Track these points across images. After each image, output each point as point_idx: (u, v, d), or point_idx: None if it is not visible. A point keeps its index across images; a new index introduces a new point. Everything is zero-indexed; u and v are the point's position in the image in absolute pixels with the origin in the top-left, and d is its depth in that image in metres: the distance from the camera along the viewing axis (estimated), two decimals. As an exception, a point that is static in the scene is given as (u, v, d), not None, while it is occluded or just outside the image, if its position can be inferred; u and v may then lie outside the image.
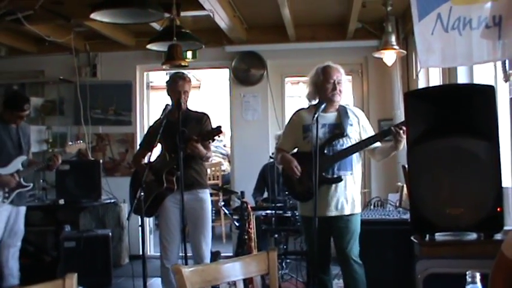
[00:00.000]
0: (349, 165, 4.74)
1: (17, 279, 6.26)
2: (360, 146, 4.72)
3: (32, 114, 7.52)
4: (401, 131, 4.48)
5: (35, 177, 6.37)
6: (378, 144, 4.82)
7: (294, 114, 5.11)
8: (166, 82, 5.56)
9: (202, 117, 5.47)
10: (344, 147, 4.72)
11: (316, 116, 4.43)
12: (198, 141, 5.03)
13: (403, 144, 4.53)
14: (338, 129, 4.74)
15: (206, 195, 5.49)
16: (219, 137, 5.32)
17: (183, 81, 5.38)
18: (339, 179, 4.67)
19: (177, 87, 5.36)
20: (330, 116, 4.81)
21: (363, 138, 4.79)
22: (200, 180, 5.43)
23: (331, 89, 4.78)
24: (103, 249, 7.02)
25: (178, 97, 5.29)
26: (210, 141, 5.26)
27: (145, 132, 7.98)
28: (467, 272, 1.73)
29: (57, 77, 8.71)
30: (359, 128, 4.81)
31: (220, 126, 5.07)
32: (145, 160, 5.43)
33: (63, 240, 6.97)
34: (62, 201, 7.45)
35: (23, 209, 6.27)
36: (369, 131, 4.89)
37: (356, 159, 4.80)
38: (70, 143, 6.67)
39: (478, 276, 1.73)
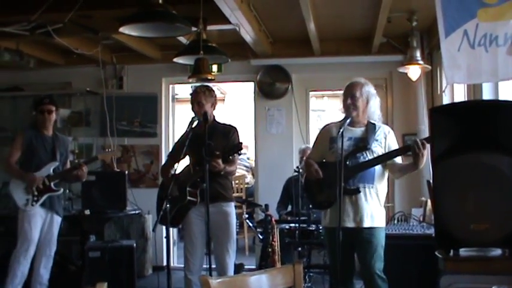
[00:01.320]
0: (370, 179, 4.74)
1: (46, 287, 6.33)
2: (381, 159, 4.73)
3: (59, 125, 7.62)
4: (422, 147, 4.47)
5: (60, 181, 6.45)
6: (399, 160, 4.82)
7: (323, 127, 5.16)
8: (190, 94, 5.61)
9: (230, 130, 5.47)
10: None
11: (341, 129, 4.48)
12: (219, 156, 5.04)
13: (423, 163, 4.55)
14: (362, 143, 4.77)
15: (231, 208, 5.47)
16: (239, 154, 5.32)
17: (197, 94, 5.40)
18: (357, 191, 4.68)
19: (192, 98, 5.43)
20: (357, 131, 4.84)
21: None
22: (224, 193, 5.42)
23: (347, 103, 4.84)
24: (127, 260, 7.04)
25: (195, 109, 5.35)
26: (233, 156, 5.27)
27: (170, 144, 8.06)
28: (493, 287, 1.75)
29: (84, 89, 8.81)
30: (384, 144, 4.82)
31: (240, 143, 5.10)
32: (172, 172, 5.48)
33: (88, 250, 7.03)
34: (87, 212, 7.53)
35: (57, 219, 6.35)
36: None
37: (379, 173, 4.80)
38: (106, 150, 6.77)
39: (504, 290, 1.75)
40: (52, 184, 6.22)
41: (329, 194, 4.59)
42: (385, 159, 4.74)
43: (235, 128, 5.54)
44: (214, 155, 5.01)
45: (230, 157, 5.23)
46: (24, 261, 6.06)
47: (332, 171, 4.51)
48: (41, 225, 6.18)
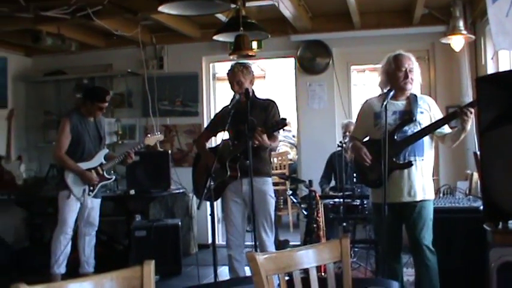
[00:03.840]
0: (420, 151, 4.69)
1: (92, 266, 6.50)
2: (429, 129, 4.65)
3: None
4: (468, 112, 4.41)
5: (110, 168, 6.57)
6: (447, 130, 4.75)
7: (364, 103, 5.08)
8: (227, 74, 5.58)
9: (269, 105, 5.47)
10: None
11: (385, 103, 4.41)
12: (263, 131, 5.03)
13: (471, 125, 4.49)
14: (408, 116, 4.70)
15: (267, 186, 5.45)
16: (283, 130, 5.29)
17: (234, 73, 5.40)
18: (410, 164, 4.62)
19: (230, 77, 5.43)
20: (400, 104, 4.77)
21: None
22: (262, 168, 5.39)
23: (403, 77, 4.73)
24: (173, 238, 7.14)
25: (235, 89, 5.34)
26: (277, 132, 5.26)
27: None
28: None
29: (125, 70, 8.88)
30: (429, 115, 4.75)
31: (285, 119, 5.05)
32: (209, 145, 5.49)
33: (134, 229, 7.14)
34: (132, 192, 7.61)
35: (98, 201, 6.48)
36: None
37: (428, 145, 4.75)
38: (148, 135, 6.85)
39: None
40: (105, 173, 6.35)
41: (381, 172, 4.51)
42: (432, 129, 4.67)
43: (274, 102, 5.53)
44: (257, 131, 5.00)
45: (275, 133, 5.22)
46: (64, 240, 6.24)
47: (379, 147, 4.45)
48: (79, 207, 6.29)
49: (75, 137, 6.28)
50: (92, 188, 6.29)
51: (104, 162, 6.40)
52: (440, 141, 4.86)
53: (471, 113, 4.40)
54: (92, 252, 6.50)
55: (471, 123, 4.49)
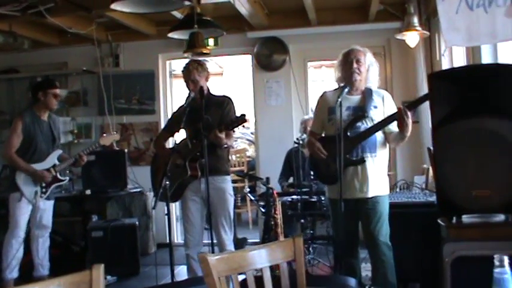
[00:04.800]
0: (373, 147, 4.71)
1: (47, 269, 6.38)
2: (377, 127, 4.67)
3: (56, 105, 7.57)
4: (404, 115, 4.44)
5: (64, 169, 6.45)
6: (395, 128, 4.75)
7: (320, 97, 5.09)
8: (182, 72, 5.54)
9: (223, 101, 5.43)
10: None
11: (339, 100, 4.43)
12: (221, 130, 5.00)
13: (409, 131, 4.54)
14: (361, 111, 4.71)
15: (226, 184, 5.43)
16: (243, 126, 5.28)
17: (189, 71, 5.36)
18: (362, 161, 4.65)
19: (184, 76, 5.39)
20: (354, 99, 4.78)
21: None
22: (220, 166, 5.38)
23: (349, 67, 4.75)
24: (130, 238, 7.07)
25: (190, 87, 5.31)
26: (234, 130, 5.24)
27: (169, 119, 8.02)
28: (495, 256, 1.70)
29: (80, 68, 8.77)
30: (383, 110, 4.76)
31: (244, 115, 5.00)
32: (167, 145, 5.44)
33: (91, 230, 7.04)
34: (88, 192, 7.52)
35: (51, 203, 6.36)
36: None
37: (381, 141, 4.77)
38: (104, 134, 6.77)
39: (506, 259, 1.70)
40: (58, 174, 6.23)
41: (335, 168, 4.53)
42: (380, 126, 4.68)
43: (229, 98, 5.51)
44: (214, 129, 4.98)
45: (231, 130, 5.20)
46: (16, 244, 6.10)
47: (334, 144, 4.47)
48: (31, 210, 6.16)
49: (27, 137, 6.13)
50: (44, 189, 6.16)
51: (58, 163, 6.27)
52: (386, 139, 4.86)
53: (407, 116, 4.44)
54: (46, 255, 6.38)
55: (409, 130, 4.54)
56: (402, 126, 4.50)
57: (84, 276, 2.21)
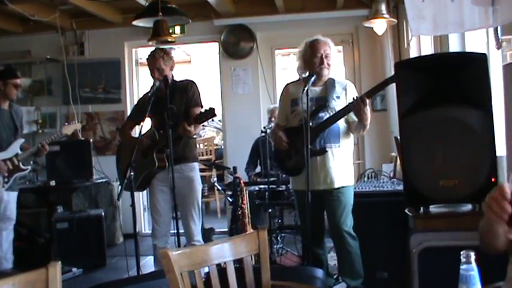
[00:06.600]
0: (336, 138, 4.70)
1: (11, 262, 6.22)
2: (336, 117, 4.65)
3: (20, 95, 7.37)
4: (361, 104, 4.44)
5: (26, 159, 6.31)
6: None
7: (283, 89, 5.08)
8: (147, 60, 5.45)
9: (187, 85, 5.37)
10: None
11: (306, 88, 4.42)
12: (190, 123, 4.93)
13: (368, 120, 4.55)
14: (322, 102, 4.68)
15: (194, 173, 5.39)
16: (213, 120, 5.22)
17: (155, 59, 5.27)
18: (323, 151, 4.63)
19: (150, 64, 5.31)
20: (317, 90, 4.77)
21: None
22: (188, 153, 5.35)
23: (318, 63, 4.74)
24: (96, 229, 6.97)
25: (155, 75, 5.23)
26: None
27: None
28: (461, 252, 1.66)
29: (44, 57, 8.60)
30: (346, 100, 4.73)
31: (213, 109, 4.91)
32: (133, 133, 5.38)
33: (56, 221, 6.92)
34: (53, 183, 7.35)
35: (14, 194, 6.22)
36: None
37: (344, 131, 4.75)
38: (66, 123, 6.62)
39: (472, 255, 1.66)
40: (20, 164, 6.09)
41: (298, 159, 4.56)
42: (339, 116, 4.66)
43: (192, 81, 5.45)
44: (179, 118, 4.95)
45: (205, 123, 5.17)
46: None
47: (297, 135, 4.46)
48: None
49: None
50: (6, 179, 6.02)
51: (20, 152, 6.14)
52: (350, 129, 4.83)
53: (364, 104, 4.45)
54: (10, 248, 6.23)
55: (368, 119, 4.55)
56: (360, 115, 4.49)
57: (40, 274, 2.15)
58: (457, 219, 3.55)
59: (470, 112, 3.47)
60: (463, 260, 1.66)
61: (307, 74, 4.80)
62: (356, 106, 4.47)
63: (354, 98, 4.54)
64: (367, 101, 4.49)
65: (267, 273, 2.59)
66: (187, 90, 5.31)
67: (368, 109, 4.50)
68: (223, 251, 2.52)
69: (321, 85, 4.78)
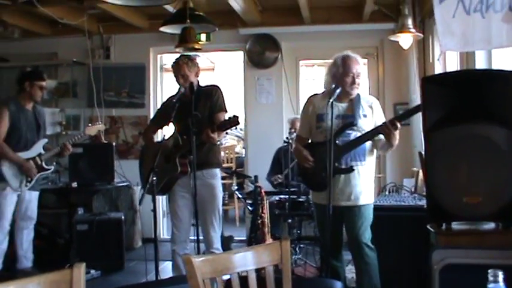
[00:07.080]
0: (362, 156, 4.68)
1: (31, 261, 6.31)
2: (365, 138, 4.64)
3: (45, 96, 7.44)
4: (391, 128, 4.44)
5: (49, 159, 6.37)
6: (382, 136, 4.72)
7: (307, 101, 5.01)
8: (172, 67, 5.48)
9: (212, 90, 5.36)
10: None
11: (331, 100, 4.40)
12: (214, 130, 4.94)
13: (397, 140, 4.55)
14: (349, 120, 4.66)
15: (214, 180, 5.37)
16: (235, 128, 5.22)
17: (179, 66, 5.29)
18: (351, 169, 4.61)
19: (174, 70, 5.33)
20: (343, 106, 4.72)
21: None
22: (211, 158, 5.34)
23: (350, 82, 4.67)
24: (116, 233, 7.01)
25: (180, 82, 5.25)
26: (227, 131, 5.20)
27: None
28: (489, 271, 1.65)
29: (70, 60, 8.69)
30: (373, 119, 4.72)
31: (237, 116, 4.90)
32: (156, 138, 5.41)
33: (76, 223, 6.97)
34: (75, 184, 7.43)
35: (36, 193, 6.28)
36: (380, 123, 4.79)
37: (370, 149, 4.74)
38: (89, 124, 6.69)
39: (500, 274, 1.65)
40: (44, 163, 6.15)
41: (323, 175, 4.49)
42: (368, 137, 4.65)
43: (217, 87, 5.45)
44: (204, 124, 4.94)
45: (227, 131, 5.16)
46: (1, 235, 6.04)
47: (322, 151, 4.44)
48: (16, 201, 6.09)
49: (11, 125, 6.05)
50: (29, 179, 6.08)
51: (43, 152, 6.20)
52: (375, 146, 4.82)
53: (395, 128, 4.46)
54: (30, 247, 6.31)
55: (397, 139, 4.56)
56: (389, 137, 4.49)
57: (65, 275, 2.16)
58: (480, 237, 3.53)
59: (496, 130, 3.44)
60: (490, 278, 1.65)
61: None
62: (386, 130, 4.46)
63: (385, 123, 4.52)
64: (398, 125, 4.48)
65: (289, 284, 2.58)
66: (212, 95, 5.32)
67: (397, 132, 4.49)
68: (245, 260, 2.51)
69: (347, 102, 4.74)
